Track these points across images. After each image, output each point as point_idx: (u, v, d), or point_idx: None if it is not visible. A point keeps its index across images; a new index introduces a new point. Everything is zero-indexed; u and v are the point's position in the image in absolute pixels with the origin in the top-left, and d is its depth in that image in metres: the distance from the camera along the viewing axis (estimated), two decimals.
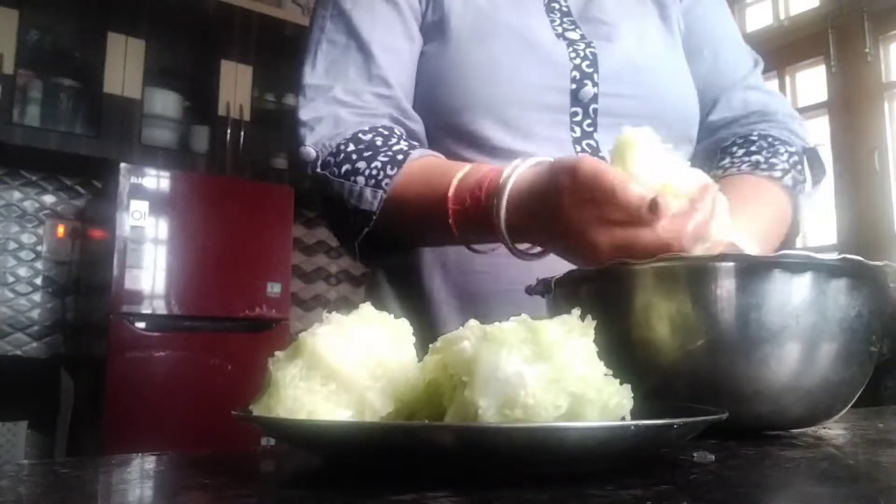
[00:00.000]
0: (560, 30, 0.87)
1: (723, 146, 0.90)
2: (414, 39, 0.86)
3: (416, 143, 0.79)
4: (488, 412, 0.37)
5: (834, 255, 0.51)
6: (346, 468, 0.41)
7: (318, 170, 0.78)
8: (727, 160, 0.87)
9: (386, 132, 0.79)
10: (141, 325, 2.59)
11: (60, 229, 3.10)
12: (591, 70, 0.83)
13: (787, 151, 0.86)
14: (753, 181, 0.83)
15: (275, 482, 0.44)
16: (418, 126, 0.84)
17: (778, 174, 0.84)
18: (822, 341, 0.51)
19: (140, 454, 0.48)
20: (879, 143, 2.82)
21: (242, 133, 3.17)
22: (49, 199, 3.12)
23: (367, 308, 0.46)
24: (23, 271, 3.05)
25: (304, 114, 0.82)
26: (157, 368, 2.58)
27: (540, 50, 0.83)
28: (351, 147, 0.77)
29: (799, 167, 0.86)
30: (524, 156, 0.78)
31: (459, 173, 0.68)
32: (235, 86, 3.21)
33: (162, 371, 2.58)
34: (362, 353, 0.43)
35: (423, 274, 0.85)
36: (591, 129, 0.82)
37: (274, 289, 2.84)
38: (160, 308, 2.64)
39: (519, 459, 0.36)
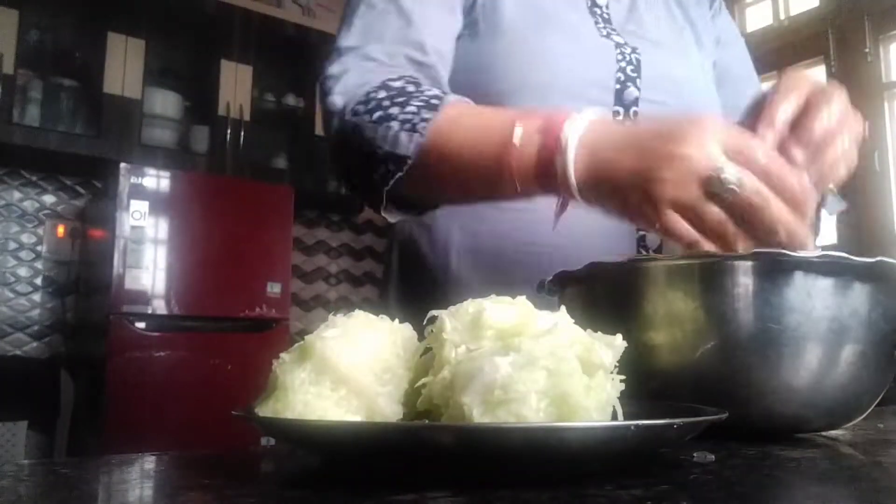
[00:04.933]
0: (605, 32, 0.88)
1: None
2: (456, 14, 0.85)
3: (450, 97, 0.74)
4: (474, 406, 0.37)
5: (863, 257, 0.50)
6: (346, 468, 0.41)
7: (347, 117, 0.74)
8: None
9: (417, 78, 0.76)
10: (141, 325, 2.58)
11: (60, 229, 3.10)
12: (634, 74, 0.86)
13: None
14: None
15: (275, 482, 0.44)
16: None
17: None
18: (842, 344, 0.50)
19: (140, 454, 0.47)
20: (879, 143, 2.82)
21: (242, 133, 3.17)
22: (49, 199, 3.12)
23: (365, 314, 0.46)
24: (23, 271, 3.05)
25: (332, 69, 0.78)
26: (157, 368, 2.58)
27: (590, 46, 0.85)
28: (382, 94, 0.73)
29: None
30: None
31: (518, 121, 0.63)
32: (235, 86, 3.21)
33: (162, 371, 2.58)
34: (370, 359, 0.43)
35: (438, 233, 0.86)
36: None
37: (274, 289, 2.84)
38: (160, 308, 2.64)
39: (519, 459, 0.36)
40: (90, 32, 3.04)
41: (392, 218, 0.79)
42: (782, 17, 3.23)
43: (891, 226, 2.77)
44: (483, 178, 0.67)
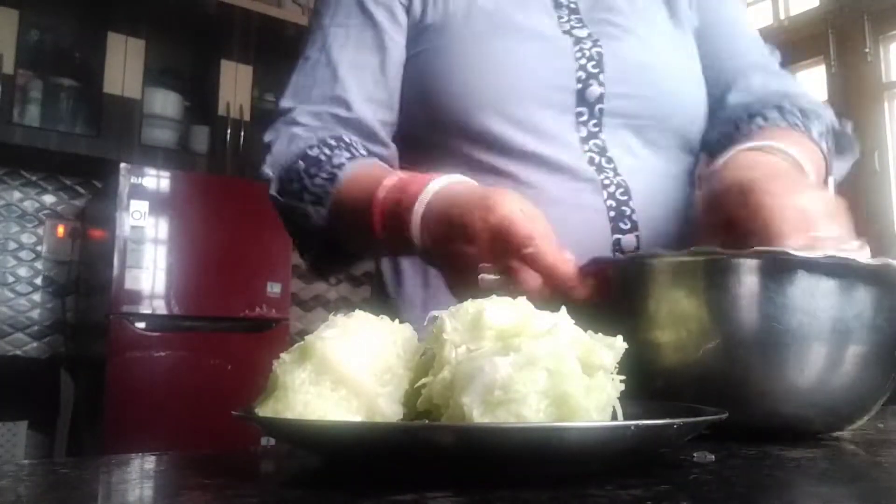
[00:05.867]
0: (567, 27, 0.86)
1: (751, 112, 0.87)
2: (389, 49, 0.85)
3: (362, 153, 0.80)
4: (474, 406, 0.37)
5: (863, 258, 0.50)
6: (346, 468, 0.41)
7: (272, 192, 0.81)
8: (760, 119, 0.84)
9: (333, 142, 0.79)
10: (141, 325, 2.58)
11: (60, 229, 3.10)
12: (596, 70, 0.83)
13: (818, 121, 0.84)
14: (797, 135, 0.81)
15: (275, 482, 0.44)
16: (384, 150, 0.85)
17: (815, 135, 0.82)
18: (845, 345, 0.50)
19: (140, 454, 0.47)
20: (879, 143, 2.82)
21: (242, 133, 3.17)
22: (49, 199, 3.12)
23: (365, 314, 0.46)
24: (23, 271, 3.05)
25: (266, 136, 0.85)
26: (157, 368, 2.58)
27: (546, 49, 0.83)
28: (301, 164, 0.78)
29: (830, 134, 0.84)
30: (536, 156, 0.79)
31: (387, 179, 0.69)
32: (235, 86, 3.21)
33: (162, 371, 2.58)
34: (371, 359, 0.43)
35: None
36: (596, 128, 0.82)
37: (274, 289, 2.84)
38: (160, 308, 2.64)
39: (519, 459, 0.36)
40: (90, 32, 3.04)
41: (326, 275, 0.86)
42: (782, 17, 3.23)
43: (891, 226, 2.77)
44: (366, 237, 0.72)
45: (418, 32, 0.86)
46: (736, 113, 0.88)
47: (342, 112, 0.83)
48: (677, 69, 0.89)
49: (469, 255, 0.59)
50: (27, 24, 2.89)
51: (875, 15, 2.86)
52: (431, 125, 0.84)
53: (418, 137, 0.86)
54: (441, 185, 0.64)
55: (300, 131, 0.82)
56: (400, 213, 0.65)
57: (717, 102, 0.91)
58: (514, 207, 0.58)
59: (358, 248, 0.82)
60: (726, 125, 0.87)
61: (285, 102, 0.86)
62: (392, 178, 0.69)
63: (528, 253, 0.55)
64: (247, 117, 3.20)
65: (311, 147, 0.79)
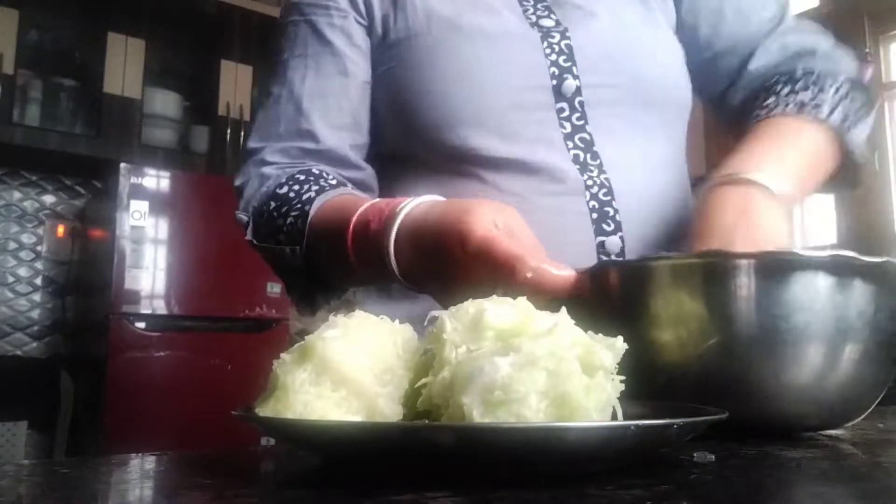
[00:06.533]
0: (534, 18, 0.84)
1: (766, 85, 0.88)
2: (351, 73, 0.84)
3: (332, 182, 0.78)
4: (474, 407, 0.37)
5: (857, 255, 0.50)
6: (346, 468, 0.41)
7: (249, 237, 0.81)
8: (772, 99, 0.84)
9: (302, 177, 0.79)
10: (141, 325, 2.59)
11: (60, 229, 3.10)
12: (568, 63, 0.81)
13: (833, 86, 0.84)
14: (796, 125, 0.81)
15: (275, 482, 0.44)
16: (358, 173, 0.84)
17: (825, 112, 0.82)
18: (846, 343, 0.50)
19: (140, 454, 0.47)
20: (879, 143, 2.82)
21: (242, 133, 3.17)
22: (49, 199, 3.13)
23: (365, 315, 0.46)
24: (23, 271, 3.05)
25: (236, 180, 0.84)
26: (157, 368, 2.58)
27: (514, 48, 0.81)
28: (272, 205, 0.78)
29: (847, 99, 0.84)
30: (517, 162, 0.78)
31: (359, 209, 0.68)
32: (235, 86, 3.21)
33: (162, 371, 2.58)
34: (371, 359, 0.43)
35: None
36: (581, 122, 0.81)
37: (274, 289, 2.84)
38: (160, 308, 2.64)
39: (519, 459, 0.36)
40: (90, 32, 3.04)
41: (315, 311, 0.85)
42: None
43: (891, 226, 2.77)
44: (342, 267, 0.72)
45: (383, 51, 0.84)
46: (755, 83, 0.89)
47: (310, 145, 0.82)
48: (649, 49, 0.86)
49: (454, 282, 0.58)
50: (27, 24, 2.90)
51: (875, 15, 2.86)
52: (408, 141, 0.83)
53: (396, 154, 0.85)
54: (407, 211, 0.63)
55: (269, 170, 0.81)
56: (372, 247, 0.64)
57: (736, 72, 0.91)
58: (489, 228, 0.56)
59: (341, 281, 0.80)
60: (747, 93, 0.89)
61: (252, 143, 0.85)
62: (362, 209, 0.68)
63: (514, 278, 0.53)
64: (247, 117, 3.20)
65: (280, 186, 0.79)
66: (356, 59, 0.85)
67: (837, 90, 0.84)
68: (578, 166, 0.79)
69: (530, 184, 0.78)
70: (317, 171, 0.80)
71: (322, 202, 0.75)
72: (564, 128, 0.80)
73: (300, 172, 0.80)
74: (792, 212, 0.69)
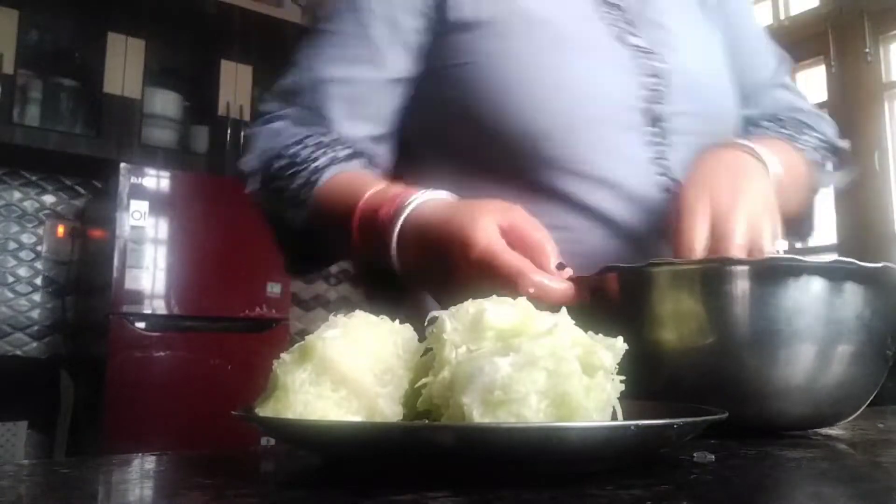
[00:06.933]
0: (616, 31, 0.80)
1: (752, 124, 0.92)
2: (380, 65, 0.80)
3: (343, 155, 0.76)
4: (474, 407, 0.37)
5: (868, 262, 0.52)
6: (346, 468, 0.41)
7: (251, 188, 0.81)
8: (760, 131, 0.89)
9: (313, 142, 0.77)
10: (141, 325, 2.59)
11: (60, 229, 3.10)
12: (661, 88, 0.79)
13: (814, 136, 0.89)
14: (780, 142, 0.83)
15: (275, 482, 0.44)
16: (371, 157, 0.80)
17: (804, 148, 0.86)
18: (833, 344, 0.52)
19: (140, 454, 0.48)
20: (879, 143, 2.82)
21: (242, 133, 3.17)
22: (49, 199, 3.12)
23: (365, 315, 0.46)
24: (23, 271, 3.05)
25: (249, 131, 0.85)
26: (157, 368, 2.58)
27: (605, 61, 0.78)
28: (280, 163, 0.77)
29: (824, 149, 0.88)
30: (606, 181, 0.75)
31: (369, 191, 0.68)
32: (235, 86, 3.21)
33: (162, 371, 2.58)
34: (371, 359, 0.43)
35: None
36: (663, 147, 0.79)
37: (274, 289, 2.84)
38: (160, 308, 2.64)
39: (519, 459, 0.36)
40: (90, 32, 3.04)
41: (302, 274, 0.85)
42: (782, 17, 3.23)
43: (891, 226, 2.77)
44: (348, 246, 0.71)
45: (452, 30, 0.78)
46: (743, 123, 0.92)
47: (323, 131, 0.79)
48: (725, 81, 0.87)
49: (454, 285, 0.59)
50: (27, 24, 2.89)
51: (875, 15, 2.86)
52: (473, 139, 0.78)
53: (447, 147, 0.81)
54: (415, 205, 0.63)
55: (283, 125, 0.80)
56: (378, 232, 0.64)
57: None
58: (492, 239, 0.56)
59: (338, 253, 0.80)
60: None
61: (270, 106, 0.84)
62: (373, 192, 0.68)
63: (515, 292, 0.53)
64: (247, 117, 3.20)
65: (286, 146, 0.77)
66: (390, 54, 0.80)
67: (818, 139, 0.89)
68: (659, 190, 0.77)
69: (617, 204, 0.76)
70: (328, 140, 0.78)
71: (333, 174, 0.74)
72: (648, 152, 0.78)
73: (315, 135, 0.78)
74: (775, 190, 0.70)
